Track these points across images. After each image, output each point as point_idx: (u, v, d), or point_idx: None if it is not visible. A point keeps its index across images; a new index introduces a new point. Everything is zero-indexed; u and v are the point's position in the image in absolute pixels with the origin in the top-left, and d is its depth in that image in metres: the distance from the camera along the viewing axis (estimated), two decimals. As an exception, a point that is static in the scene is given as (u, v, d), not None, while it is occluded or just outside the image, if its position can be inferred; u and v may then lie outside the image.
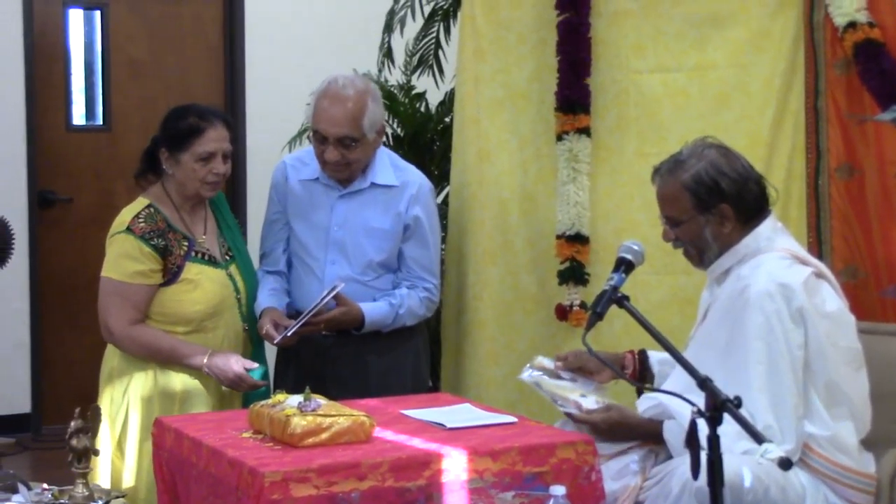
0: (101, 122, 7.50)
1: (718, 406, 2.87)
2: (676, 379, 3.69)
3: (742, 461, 3.35)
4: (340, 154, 4.38)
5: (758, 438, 2.84)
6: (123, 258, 4.21)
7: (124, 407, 4.22)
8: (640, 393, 3.88)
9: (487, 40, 5.04)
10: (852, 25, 4.43)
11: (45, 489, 3.62)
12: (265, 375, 4.30)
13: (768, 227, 3.77)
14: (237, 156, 7.43)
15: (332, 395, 3.57)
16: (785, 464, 2.78)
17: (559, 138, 4.84)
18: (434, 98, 6.26)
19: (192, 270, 4.25)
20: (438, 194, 6.03)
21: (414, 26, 6.28)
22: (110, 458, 4.21)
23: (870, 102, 4.42)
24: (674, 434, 3.57)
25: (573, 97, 4.81)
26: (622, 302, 3.32)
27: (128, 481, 4.15)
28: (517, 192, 4.98)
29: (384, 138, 6.07)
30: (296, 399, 3.36)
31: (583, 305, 4.75)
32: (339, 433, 3.27)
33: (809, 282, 3.68)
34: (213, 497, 3.26)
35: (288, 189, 4.59)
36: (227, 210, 4.53)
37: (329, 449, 3.21)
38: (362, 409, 3.41)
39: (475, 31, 5.08)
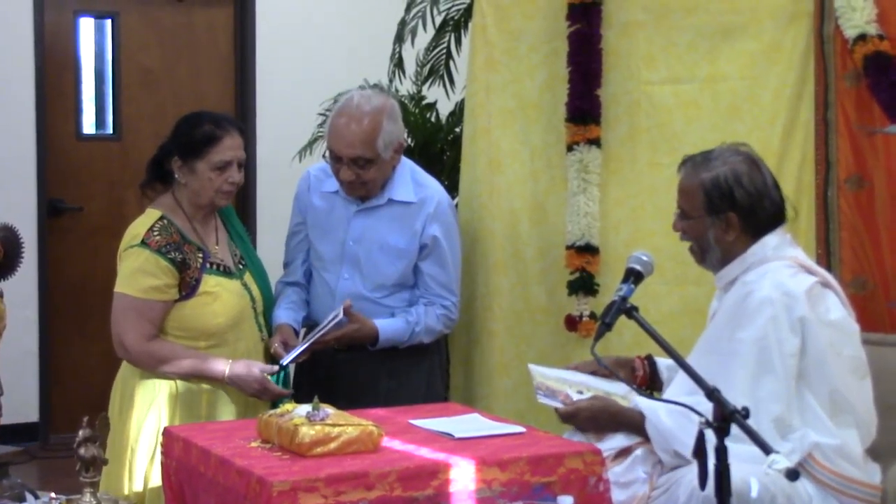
0: (111, 131, 7.52)
1: (726, 417, 2.87)
2: (678, 386, 3.71)
3: (749, 471, 3.34)
4: (355, 174, 4.36)
5: (765, 449, 2.84)
6: (139, 273, 4.11)
7: (144, 416, 4.14)
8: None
9: (499, 50, 5.04)
10: (862, 38, 4.43)
11: (53, 498, 3.61)
12: (287, 381, 4.31)
13: (776, 237, 3.78)
14: (247, 165, 7.44)
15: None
16: (792, 475, 2.78)
17: (570, 149, 4.84)
18: (445, 108, 6.26)
19: (210, 283, 4.17)
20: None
21: (425, 36, 6.29)
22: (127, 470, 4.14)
23: (879, 114, 4.42)
24: (655, 428, 3.64)
25: (584, 108, 4.81)
26: (631, 312, 3.33)
27: (137, 488, 4.11)
28: (528, 202, 4.98)
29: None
30: (304, 408, 3.36)
31: (592, 316, 4.75)
32: (347, 443, 3.26)
33: (814, 290, 3.68)
34: (222, 506, 3.26)
35: (309, 200, 4.58)
36: (236, 219, 4.47)
37: (337, 458, 3.21)
38: (370, 419, 3.41)
39: (486, 41, 5.08)
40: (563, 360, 4.50)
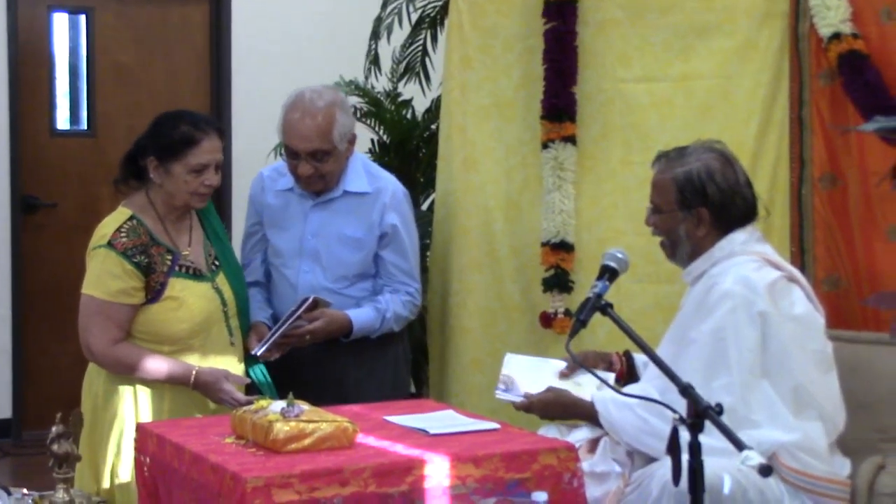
0: (85, 127, 7.49)
1: (700, 413, 2.88)
2: (647, 382, 3.73)
3: (723, 466, 3.36)
4: (313, 168, 4.40)
5: (738, 445, 2.85)
6: (105, 275, 4.02)
7: (115, 413, 4.08)
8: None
9: (474, 48, 5.05)
10: (837, 37, 4.45)
11: (26, 494, 3.60)
12: (267, 377, 4.30)
13: (745, 234, 3.82)
14: (222, 162, 7.43)
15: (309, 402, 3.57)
16: (765, 470, 2.79)
17: (545, 146, 4.85)
18: (420, 105, 6.26)
19: (176, 287, 4.07)
20: (424, 202, 6.04)
21: (401, 33, 6.29)
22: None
23: (853, 113, 4.43)
24: (606, 421, 3.74)
25: (559, 105, 4.83)
26: (606, 310, 3.33)
27: (106, 484, 4.07)
28: (502, 199, 4.99)
29: (372, 145, 6.13)
30: (279, 405, 3.35)
31: (567, 313, 4.76)
32: (321, 439, 3.26)
33: (778, 284, 3.72)
34: (196, 502, 3.25)
35: (264, 200, 4.61)
36: (215, 216, 4.36)
37: (312, 455, 3.21)
38: (345, 415, 3.41)
39: (462, 38, 5.09)
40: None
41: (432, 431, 3.46)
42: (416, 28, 6.25)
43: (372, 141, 6.20)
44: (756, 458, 2.78)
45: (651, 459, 3.66)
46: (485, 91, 5.05)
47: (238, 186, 7.38)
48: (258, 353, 4.25)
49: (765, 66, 4.68)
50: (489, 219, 5.00)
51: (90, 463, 4.06)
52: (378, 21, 6.29)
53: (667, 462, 3.15)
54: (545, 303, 4.83)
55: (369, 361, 4.54)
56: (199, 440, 3.39)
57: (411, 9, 6.21)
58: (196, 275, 4.16)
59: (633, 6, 4.83)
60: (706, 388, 3.44)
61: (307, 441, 3.25)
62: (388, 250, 4.55)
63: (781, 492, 3.55)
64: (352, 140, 4.49)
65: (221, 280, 4.23)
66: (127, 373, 4.05)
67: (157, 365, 4.04)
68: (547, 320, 4.80)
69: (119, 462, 4.03)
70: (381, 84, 6.38)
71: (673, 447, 2.85)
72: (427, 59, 6.25)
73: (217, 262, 4.25)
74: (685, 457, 2.87)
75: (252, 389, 4.22)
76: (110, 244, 4.04)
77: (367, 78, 6.34)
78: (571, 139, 4.83)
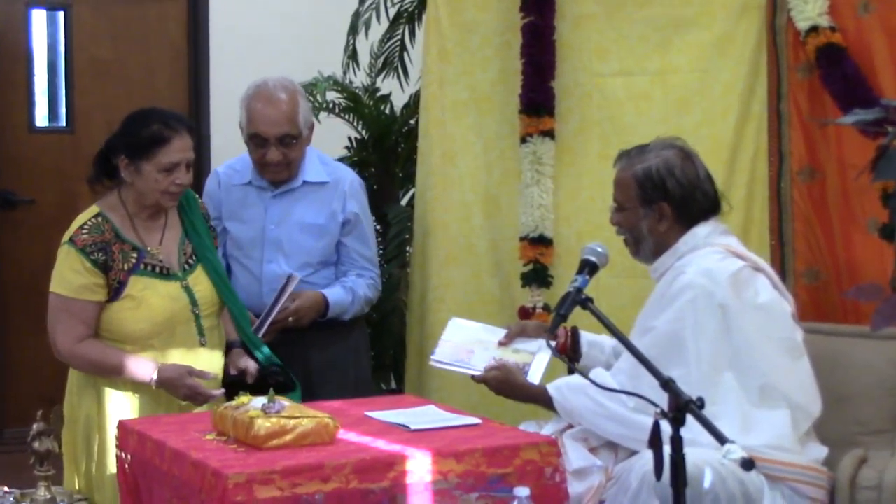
0: (64, 124, 7.45)
1: (681, 407, 2.88)
2: (614, 376, 3.74)
3: (705, 460, 3.36)
4: (282, 154, 4.49)
5: (720, 439, 2.85)
6: (68, 272, 3.98)
7: (94, 411, 4.04)
8: (570, 371, 3.99)
9: (452, 42, 5.05)
10: (814, 30, 4.46)
11: (7, 492, 3.59)
12: (270, 359, 4.26)
13: (708, 227, 3.84)
14: (201, 158, 7.41)
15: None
16: (747, 464, 2.80)
17: (523, 140, 4.86)
18: (399, 100, 6.26)
19: (137, 286, 4.00)
20: (403, 196, 6.05)
21: (379, 28, 6.28)
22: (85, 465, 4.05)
23: (831, 105, 4.45)
24: (562, 407, 3.80)
25: (537, 100, 4.83)
26: (586, 304, 3.34)
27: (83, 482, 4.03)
28: (481, 194, 5.00)
29: (350, 141, 6.13)
30: (260, 401, 3.35)
31: (546, 307, 4.77)
32: (303, 435, 3.26)
33: (741, 274, 3.74)
34: (177, 499, 3.24)
35: (222, 196, 4.67)
36: (198, 213, 4.28)
37: (293, 450, 3.20)
38: (326, 411, 3.40)
39: (440, 33, 5.09)
40: (516, 351, 4.52)
41: (413, 427, 3.46)
42: (394, 23, 6.24)
43: (350, 137, 6.20)
44: (738, 452, 2.78)
45: (633, 453, 3.66)
46: (462, 85, 5.05)
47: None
48: (260, 335, 4.29)
49: (742, 59, 4.69)
50: (468, 213, 5.01)
51: (70, 461, 4.04)
52: (356, 16, 6.28)
53: (645, 454, 3.23)
54: (524, 297, 4.84)
55: (330, 347, 4.61)
56: (180, 437, 3.38)
57: (389, 4, 6.20)
58: (163, 274, 4.08)
59: (610, 0, 4.84)
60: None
61: (288, 437, 3.25)
62: (350, 237, 4.66)
63: (761, 481, 3.56)
64: (311, 128, 4.60)
65: (196, 278, 4.14)
66: (91, 370, 4.01)
67: (118, 362, 3.98)
68: (526, 315, 4.80)
69: (92, 461, 4.00)
70: (359, 79, 6.37)
71: (655, 441, 2.86)
72: (405, 54, 6.24)
73: (192, 261, 4.17)
74: (667, 449, 2.88)
75: (232, 387, 4.16)
76: (71, 241, 4.01)
77: (345, 73, 6.33)
78: (550, 133, 4.84)
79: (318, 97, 5.90)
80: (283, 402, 3.35)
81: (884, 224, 4.30)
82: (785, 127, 4.61)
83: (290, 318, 4.42)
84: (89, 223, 4.03)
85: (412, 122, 5.90)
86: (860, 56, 4.41)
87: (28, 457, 3.51)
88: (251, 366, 4.19)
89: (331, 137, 5.80)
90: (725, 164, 4.67)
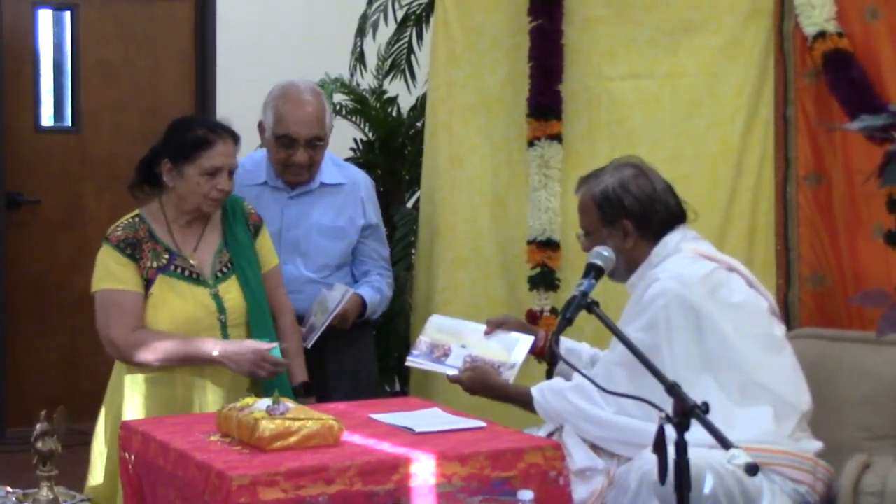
0: (69, 124, 7.46)
1: (686, 412, 2.88)
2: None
3: (708, 464, 3.35)
4: (309, 156, 4.51)
5: (725, 444, 2.85)
6: (113, 266, 4.02)
7: (119, 409, 4.04)
8: (549, 375, 4.09)
9: (461, 45, 5.05)
10: (822, 35, 4.46)
11: (10, 492, 3.59)
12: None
13: (677, 235, 3.87)
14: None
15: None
16: (751, 469, 2.79)
17: (530, 144, 4.86)
18: (406, 103, 6.26)
19: (163, 286, 4.02)
20: (409, 199, 6.05)
21: (386, 31, 6.28)
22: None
23: (838, 111, 4.44)
24: (543, 409, 3.84)
25: (545, 103, 4.83)
26: (592, 308, 3.33)
27: (97, 480, 4.07)
28: (488, 197, 4.99)
29: (356, 143, 6.14)
30: (264, 402, 3.35)
31: (553, 311, 4.76)
32: (307, 437, 3.26)
33: (714, 275, 3.77)
34: (181, 500, 3.24)
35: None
36: (242, 222, 4.24)
37: (297, 452, 3.20)
38: (331, 413, 3.40)
39: (448, 35, 5.08)
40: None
41: (418, 429, 3.46)
42: (402, 25, 6.25)
43: (356, 139, 6.20)
44: (743, 457, 2.78)
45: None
46: (471, 88, 5.05)
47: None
48: (308, 345, 4.33)
49: (750, 63, 4.69)
50: (475, 216, 5.00)
51: (99, 455, 4.10)
52: (364, 18, 6.28)
53: (644, 455, 3.28)
54: (531, 300, 4.83)
55: (346, 350, 4.62)
56: (185, 438, 3.38)
57: (397, 6, 6.20)
58: (192, 278, 4.09)
59: (618, 3, 4.84)
60: (636, 384, 3.44)
61: (293, 439, 3.24)
62: (371, 239, 4.72)
63: (760, 479, 3.55)
64: (331, 130, 4.64)
65: (227, 287, 4.13)
66: (145, 356, 3.98)
67: (175, 343, 3.98)
68: (533, 318, 4.80)
69: (107, 456, 4.04)
70: (366, 81, 6.37)
71: (659, 446, 2.85)
72: (413, 57, 6.24)
73: (227, 269, 4.16)
74: (648, 452, 2.89)
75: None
76: (107, 239, 4.07)
77: (352, 75, 6.34)
78: (557, 137, 4.84)
79: (326, 99, 5.90)
80: (288, 403, 3.35)
81: (889, 230, 4.31)
82: (792, 132, 4.61)
83: (336, 322, 4.43)
84: (125, 222, 4.10)
85: (419, 124, 5.90)
86: (867, 62, 4.41)
87: (31, 457, 3.51)
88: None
89: (337, 139, 5.77)
90: (732, 167, 4.67)
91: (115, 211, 6.97)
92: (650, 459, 2.92)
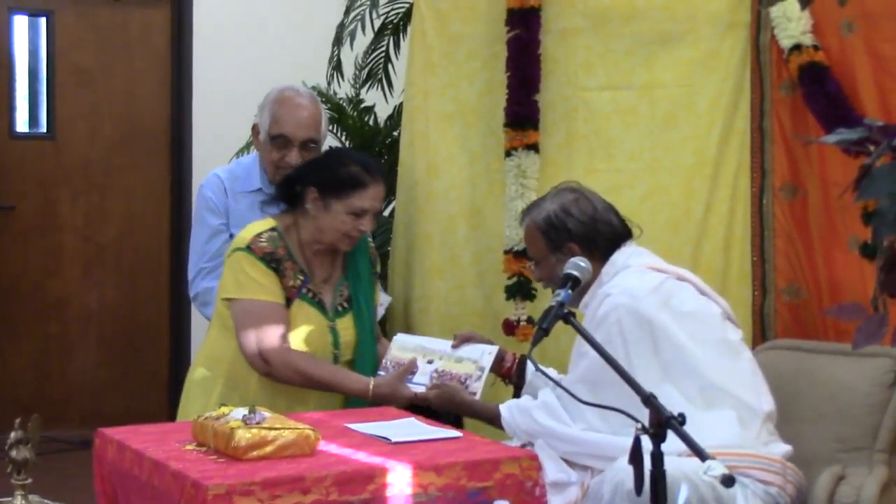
0: (44, 130, 7.44)
1: (662, 423, 2.88)
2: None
3: (682, 472, 3.36)
4: (302, 158, 4.51)
5: (701, 455, 2.85)
6: (254, 277, 4.00)
7: (191, 408, 4.07)
8: (516, 395, 4.14)
9: (438, 54, 5.05)
10: (797, 48, 4.48)
11: (-17, 500, 3.57)
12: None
13: (625, 252, 3.91)
14: (182, 166, 7.40)
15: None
16: (728, 481, 2.79)
17: (508, 154, 4.86)
18: (383, 112, 6.26)
19: (300, 309, 4.05)
20: (385, 208, 6.03)
21: (364, 40, 6.29)
22: None
23: (814, 124, 4.46)
24: (510, 427, 3.87)
25: (522, 113, 4.83)
26: (568, 318, 3.33)
27: None
28: (465, 206, 4.99)
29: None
30: (240, 412, 3.33)
31: (530, 320, 4.76)
32: (283, 446, 3.25)
33: (664, 286, 3.80)
34: (156, 509, 3.23)
35: (229, 202, 4.65)
36: (366, 257, 4.30)
37: (273, 462, 3.19)
38: (307, 423, 3.39)
39: (425, 45, 5.09)
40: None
41: (394, 439, 3.46)
42: (379, 34, 6.25)
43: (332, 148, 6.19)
44: (719, 469, 2.78)
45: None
46: (448, 98, 5.05)
47: (198, 190, 7.34)
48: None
49: (727, 75, 4.71)
50: (452, 225, 5.01)
51: None
52: (341, 27, 6.28)
53: (616, 465, 3.32)
54: (508, 310, 4.83)
55: None
56: (160, 447, 3.36)
57: (374, 15, 6.21)
58: (320, 305, 4.12)
59: (596, 14, 4.85)
60: (598, 400, 3.43)
61: (269, 448, 3.23)
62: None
63: (735, 487, 3.55)
64: (324, 138, 4.67)
65: (344, 324, 4.16)
66: (297, 380, 4.00)
67: (332, 375, 4.01)
68: (510, 328, 4.80)
69: None
70: (343, 90, 6.37)
71: (635, 457, 2.86)
72: (390, 66, 6.25)
73: (346, 304, 4.18)
74: (623, 461, 2.89)
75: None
76: (249, 248, 4.03)
77: (329, 84, 6.34)
78: (534, 147, 4.84)
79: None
80: (264, 413, 3.34)
81: (865, 242, 4.32)
82: (767, 144, 4.63)
83: None
84: (267, 235, 4.06)
85: (396, 133, 5.91)
86: (843, 75, 4.42)
87: (5, 465, 3.49)
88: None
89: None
90: (708, 179, 4.69)
91: (90, 217, 7.02)
92: (623, 469, 2.93)
